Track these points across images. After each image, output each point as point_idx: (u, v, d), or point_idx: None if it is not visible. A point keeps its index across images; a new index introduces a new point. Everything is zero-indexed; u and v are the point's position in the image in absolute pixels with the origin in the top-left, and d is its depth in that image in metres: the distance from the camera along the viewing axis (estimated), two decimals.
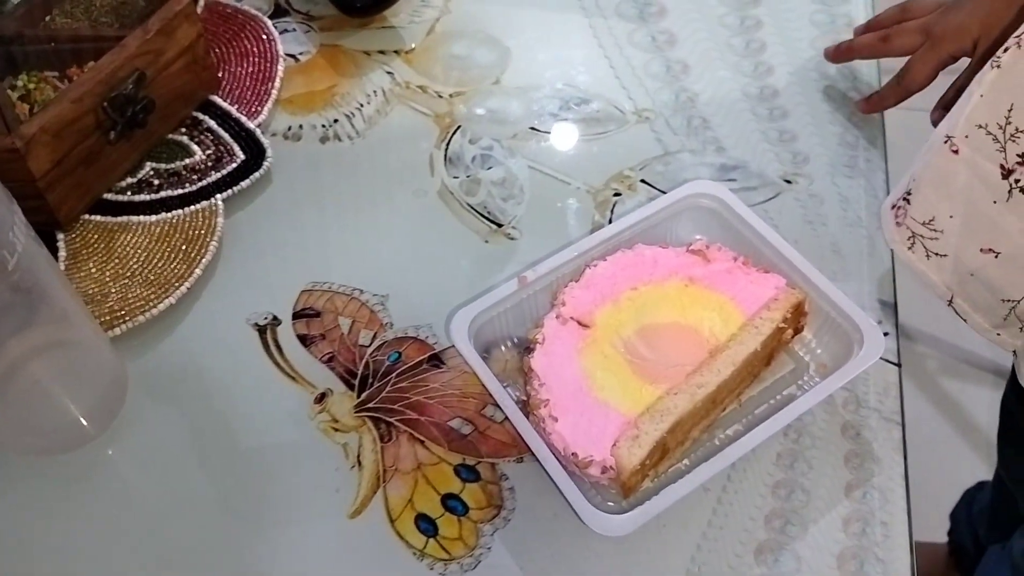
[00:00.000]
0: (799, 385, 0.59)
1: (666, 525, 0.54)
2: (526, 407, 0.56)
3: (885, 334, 0.61)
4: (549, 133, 0.74)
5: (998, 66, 0.49)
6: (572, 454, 0.52)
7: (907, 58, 0.69)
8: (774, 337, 0.57)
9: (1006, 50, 0.49)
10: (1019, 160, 0.49)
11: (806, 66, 0.78)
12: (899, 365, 0.61)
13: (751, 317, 0.57)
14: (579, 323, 0.58)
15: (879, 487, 0.55)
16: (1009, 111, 0.48)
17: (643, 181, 0.70)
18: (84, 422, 0.57)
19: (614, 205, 0.69)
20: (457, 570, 0.53)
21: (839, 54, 0.75)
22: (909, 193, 0.56)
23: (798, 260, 0.59)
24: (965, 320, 0.58)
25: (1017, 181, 0.49)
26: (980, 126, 0.50)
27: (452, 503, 0.55)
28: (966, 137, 0.51)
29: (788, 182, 0.70)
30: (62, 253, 0.66)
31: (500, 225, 0.69)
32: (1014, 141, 0.48)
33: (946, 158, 0.53)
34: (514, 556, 0.53)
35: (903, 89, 0.70)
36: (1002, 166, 0.49)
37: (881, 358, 0.60)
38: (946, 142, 0.53)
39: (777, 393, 0.58)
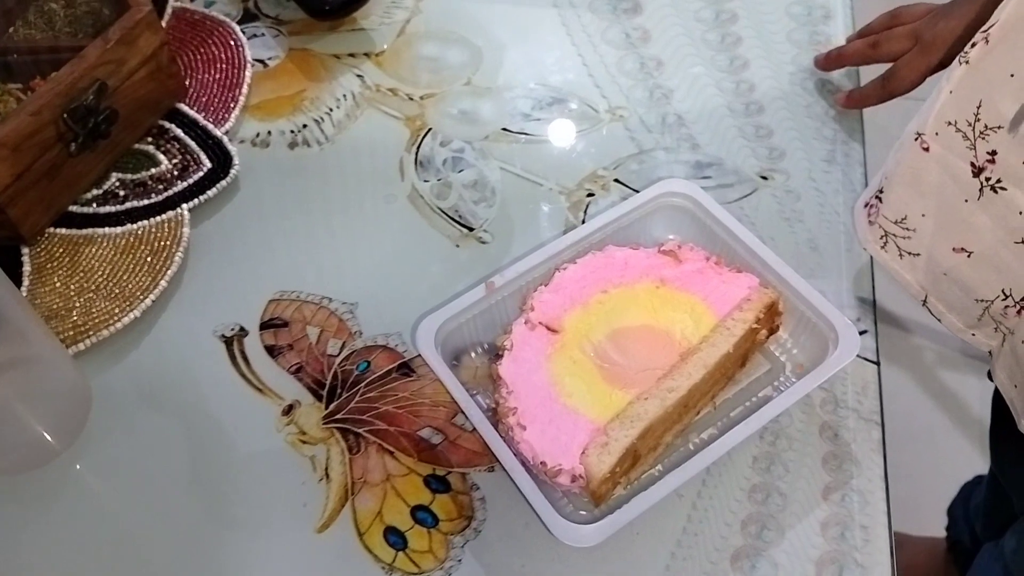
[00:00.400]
0: (775, 386, 0.57)
1: (639, 533, 0.53)
2: (495, 416, 0.54)
3: (863, 332, 0.60)
4: (521, 134, 0.73)
5: (966, 62, 0.48)
6: (541, 463, 0.51)
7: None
8: (747, 338, 0.56)
9: (973, 45, 0.48)
10: (989, 158, 0.47)
11: (782, 60, 0.77)
12: (878, 363, 0.59)
13: (723, 318, 0.56)
14: (548, 328, 0.57)
15: (858, 489, 0.54)
16: (978, 108, 0.47)
17: (617, 180, 0.69)
18: (49, 438, 0.56)
19: (587, 206, 0.68)
20: None
21: (829, 62, 0.74)
22: (881, 191, 0.55)
23: (772, 259, 0.58)
24: (940, 320, 0.57)
25: (988, 179, 0.48)
26: (950, 123, 0.49)
27: (422, 515, 0.54)
28: (936, 134, 0.50)
29: (764, 178, 0.69)
30: (26, 268, 0.65)
31: (471, 229, 0.67)
32: (983, 139, 0.47)
33: (917, 155, 0.52)
34: (485, 568, 0.52)
35: (887, 92, 0.68)
36: (972, 164, 0.48)
37: (860, 356, 0.59)
38: (917, 139, 0.51)
39: (753, 395, 0.57)
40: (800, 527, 0.53)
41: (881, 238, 0.55)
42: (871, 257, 0.64)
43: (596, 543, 0.48)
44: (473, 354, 0.59)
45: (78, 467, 0.57)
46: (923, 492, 1.20)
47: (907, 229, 0.53)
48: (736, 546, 0.52)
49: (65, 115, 0.63)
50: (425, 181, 0.70)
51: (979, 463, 1.34)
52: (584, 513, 0.52)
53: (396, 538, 0.53)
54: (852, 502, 0.54)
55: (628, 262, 0.59)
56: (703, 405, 0.56)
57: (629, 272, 0.59)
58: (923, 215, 0.52)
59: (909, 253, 0.54)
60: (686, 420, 0.55)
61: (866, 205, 0.56)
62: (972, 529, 1.10)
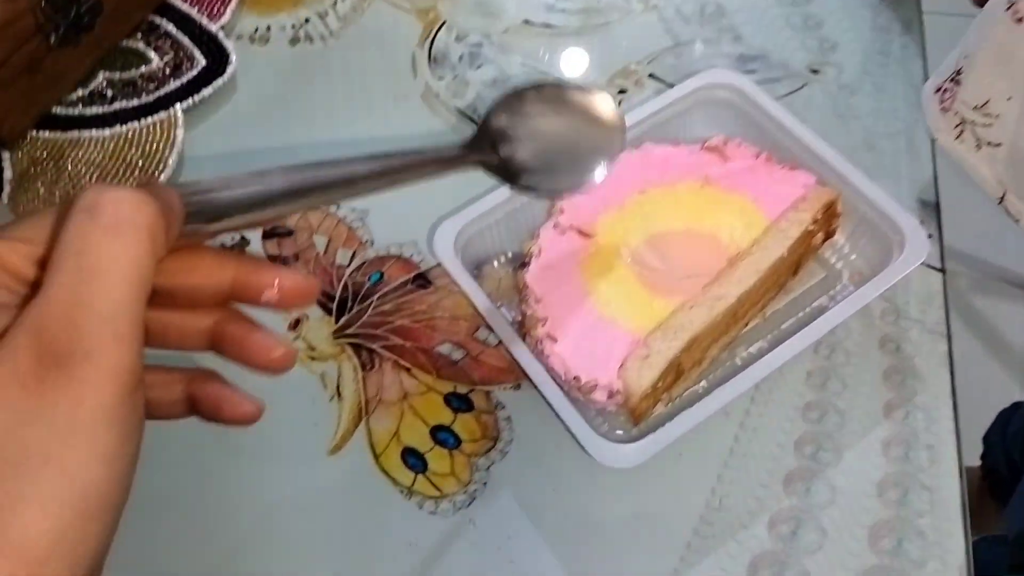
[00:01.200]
0: (831, 296, 0.52)
1: (682, 454, 0.48)
2: (522, 328, 0.49)
3: (928, 236, 0.55)
4: (545, 26, 0.66)
5: None
6: (574, 378, 0.46)
7: None
8: (802, 242, 0.50)
9: None
10: None
11: None
12: (943, 271, 0.54)
13: (776, 219, 0.50)
14: (580, 232, 0.51)
15: (923, 406, 0.49)
16: None
17: (651, 76, 0.63)
18: None
19: (619, 103, 0.62)
20: (449, 508, 0.47)
21: None
22: (959, 73, 0.49)
23: (830, 155, 0.52)
24: (1017, 221, 0.51)
25: None
26: None
27: (442, 436, 0.49)
28: None
29: (815, 72, 0.63)
30: (7, 174, 0.59)
31: None
32: None
33: (1008, 30, 0.45)
34: (513, 492, 0.47)
35: None
36: None
37: (925, 264, 0.53)
38: (1008, 8, 0.45)
39: (806, 305, 0.52)
40: (859, 447, 0.48)
41: (956, 127, 0.49)
42: (934, 156, 0.58)
43: (635, 464, 0.43)
44: (496, 263, 0.54)
45: None
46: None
47: (989, 116, 0.47)
48: (789, 468, 0.48)
49: (43, 3, 0.57)
50: (440, 79, 0.64)
51: (1016, 390, 1.29)
52: (621, 433, 0.48)
53: (415, 460, 0.49)
54: (916, 420, 0.49)
55: (668, 160, 0.53)
56: (752, 316, 0.51)
57: (669, 171, 0.53)
58: (1009, 98, 0.46)
59: (989, 143, 0.48)
60: (734, 332, 0.50)
61: (938, 90, 0.50)
62: (1009, 457, 1.06)
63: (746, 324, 0.51)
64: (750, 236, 0.50)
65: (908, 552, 0.45)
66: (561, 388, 0.46)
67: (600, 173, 0.34)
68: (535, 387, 0.46)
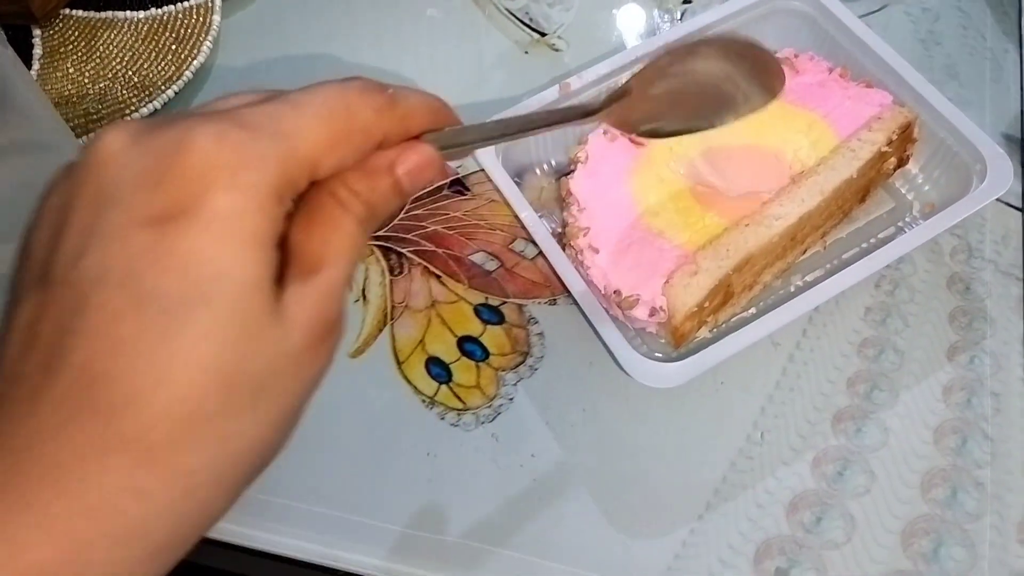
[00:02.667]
0: (899, 227, 0.48)
1: (724, 383, 0.45)
2: (562, 239, 0.46)
3: None
4: None
5: None
6: (614, 292, 0.43)
7: None
8: (873, 165, 0.46)
9: None
10: None
11: None
12: (1023, 211, 0.49)
13: (847, 138, 0.46)
14: (631, 140, 0.47)
15: (991, 351, 0.45)
16: None
17: None
18: None
19: (683, 14, 0.57)
20: (472, 421, 0.44)
21: None
22: None
23: (910, 75, 0.48)
24: None
25: None
26: None
27: (470, 347, 0.47)
28: None
29: None
30: (37, 51, 0.57)
31: (543, 34, 0.58)
32: None
33: None
34: (540, 410, 0.45)
35: None
36: None
37: (1003, 202, 0.49)
38: None
39: (871, 236, 0.48)
40: (918, 389, 0.44)
41: None
42: (1022, 88, 0.53)
43: (675, 384, 0.40)
44: (538, 171, 0.51)
45: None
46: None
47: None
48: (840, 406, 0.44)
49: None
50: None
51: None
52: (659, 355, 0.44)
53: (439, 370, 0.46)
54: (983, 365, 0.45)
55: None
56: (812, 242, 0.47)
57: None
58: None
59: None
60: (790, 258, 0.47)
61: None
62: None
63: (804, 251, 0.47)
64: (817, 155, 0.46)
65: (963, 503, 0.41)
66: (600, 303, 0.43)
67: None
68: (572, 300, 0.43)
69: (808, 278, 0.47)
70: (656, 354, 0.44)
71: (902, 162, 0.48)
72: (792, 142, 0.47)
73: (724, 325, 0.45)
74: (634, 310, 0.43)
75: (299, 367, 0.22)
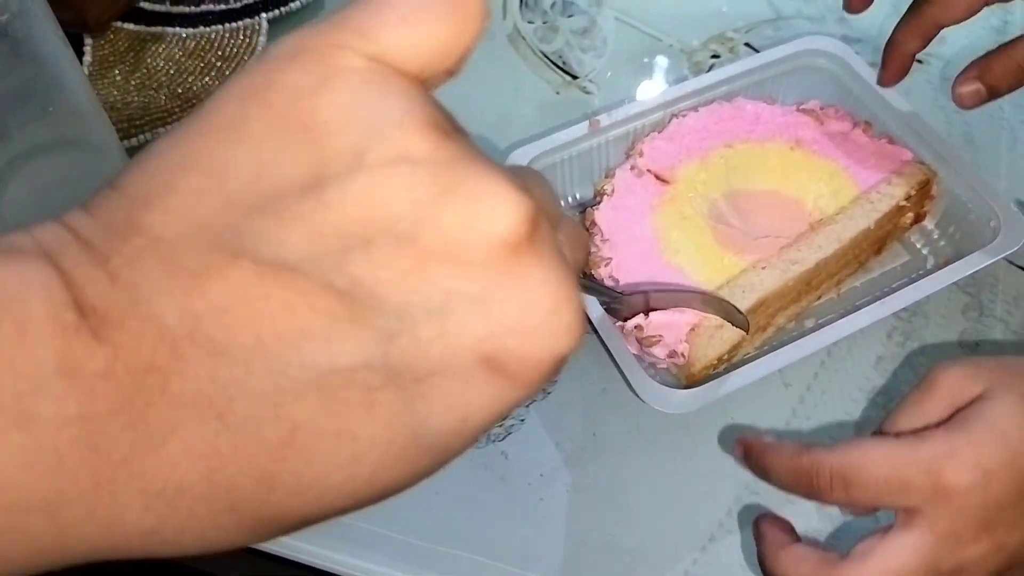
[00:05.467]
0: (912, 280, 0.49)
1: (734, 418, 0.45)
2: (584, 267, 0.47)
3: None
4: None
5: None
6: (635, 326, 0.44)
7: None
8: (891, 218, 0.47)
9: None
10: None
11: None
12: None
13: (867, 190, 0.47)
14: (657, 177, 0.49)
15: None
16: None
17: (747, 45, 0.61)
18: None
19: (711, 67, 0.59)
20: (483, 438, 0.45)
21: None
22: None
23: (929, 134, 0.49)
24: None
25: None
26: None
27: None
28: None
29: (919, 62, 0.59)
30: (87, 58, 0.59)
31: (576, 77, 0.60)
32: None
33: None
34: (550, 432, 0.45)
35: (929, 21, 0.43)
36: None
37: (1014, 263, 0.50)
38: None
39: (884, 287, 0.49)
40: None
41: None
42: None
43: (686, 411, 0.41)
44: (562, 204, 0.52)
45: None
46: None
47: None
48: None
49: None
50: (530, 23, 0.62)
51: None
52: (671, 384, 0.45)
53: None
54: None
55: (760, 117, 0.51)
56: (826, 289, 0.48)
57: (760, 128, 0.50)
58: None
59: None
60: (804, 303, 0.48)
61: None
62: None
63: (818, 297, 0.48)
64: (836, 204, 0.47)
65: None
66: (614, 331, 0.44)
67: None
68: (590, 325, 0.44)
69: (820, 321, 0.48)
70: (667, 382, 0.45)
71: (919, 217, 0.50)
72: (813, 190, 0.48)
73: (735, 358, 0.46)
74: (653, 348, 0.43)
75: None
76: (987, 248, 0.45)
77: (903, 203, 0.47)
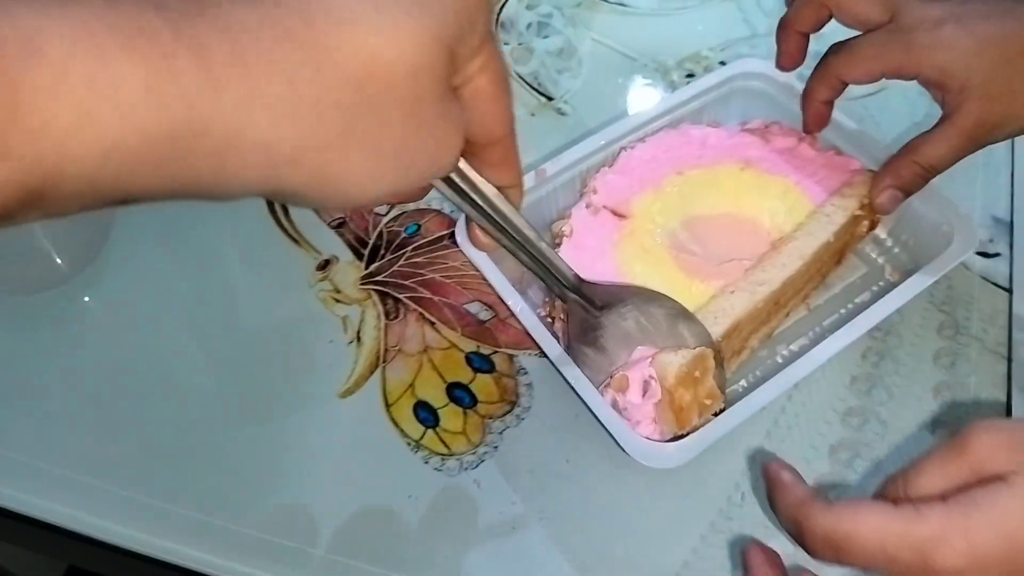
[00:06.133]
0: (874, 292, 0.49)
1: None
2: (550, 312, 0.47)
3: (995, 255, 0.51)
4: (619, 4, 0.65)
5: None
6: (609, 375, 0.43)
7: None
8: (848, 228, 0.47)
9: None
10: None
11: None
12: (1010, 292, 0.50)
13: (821, 204, 0.47)
14: (614, 213, 0.48)
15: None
16: None
17: (723, 63, 0.61)
18: (58, 259, 0.51)
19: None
20: (456, 467, 0.45)
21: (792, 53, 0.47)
22: None
23: (871, 143, 0.49)
24: None
25: None
26: None
27: (459, 393, 0.47)
28: None
29: None
30: None
31: (551, 99, 0.60)
32: None
33: None
34: (524, 459, 0.45)
35: (833, 73, 0.44)
36: None
37: (991, 281, 0.50)
38: None
39: (848, 302, 0.49)
40: (900, 460, 0.45)
41: None
42: (1012, 172, 0.55)
43: (677, 464, 0.40)
44: None
45: (86, 299, 0.52)
46: None
47: None
48: (821, 472, 0.44)
49: None
50: (505, 44, 0.62)
51: None
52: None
53: (427, 414, 0.47)
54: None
55: (707, 141, 0.51)
56: (794, 306, 0.48)
57: (708, 152, 0.50)
58: None
59: None
60: (774, 323, 0.47)
61: None
62: None
63: (787, 314, 0.48)
64: (793, 220, 0.47)
65: None
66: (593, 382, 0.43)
67: None
68: (565, 381, 0.43)
69: (793, 347, 0.48)
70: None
71: (873, 225, 0.49)
72: (768, 209, 0.48)
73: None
74: (628, 394, 0.42)
75: None
76: (945, 254, 0.45)
77: (858, 212, 0.47)
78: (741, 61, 0.53)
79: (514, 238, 0.34)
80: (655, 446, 0.40)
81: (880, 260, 0.50)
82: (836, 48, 0.44)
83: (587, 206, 0.49)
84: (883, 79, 0.42)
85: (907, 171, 0.43)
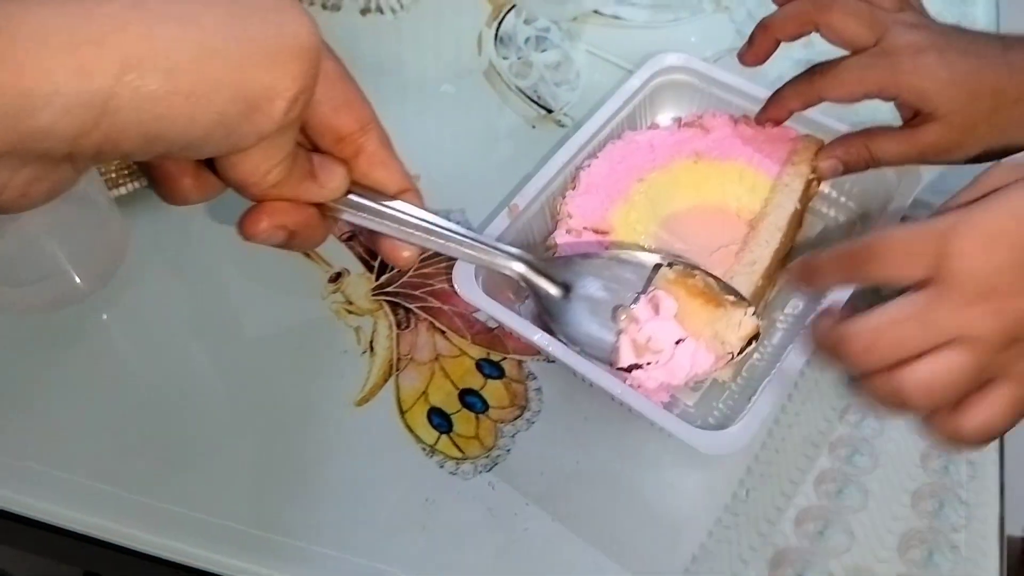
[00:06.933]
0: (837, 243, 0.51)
1: None
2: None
3: None
4: (615, 18, 0.66)
5: None
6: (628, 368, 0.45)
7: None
8: (805, 192, 0.50)
9: None
10: None
11: None
12: None
13: (778, 176, 0.50)
14: (595, 231, 0.50)
15: None
16: None
17: None
18: (77, 278, 0.52)
19: None
20: (470, 470, 0.46)
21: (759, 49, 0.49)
22: None
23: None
24: None
25: None
26: None
27: (471, 399, 0.49)
28: None
29: None
30: None
31: (550, 111, 0.61)
32: None
33: None
34: (535, 461, 0.47)
35: (815, 91, 0.47)
36: None
37: None
38: None
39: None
40: (897, 454, 0.46)
41: None
42: None
43: (737, 450, 0.41)
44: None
45: (104, 316, 0.53)
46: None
47: None
48: (823, 467, 0.46)
49: None
50: (504, 58, 0.64)
51: None
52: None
53: (440, 420, 0.48)
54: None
55: (654, 143, 0.53)
56: (779, 276, 0.50)
57: (658, 153, 0.52)
58: None
59: None
60: (768, 295, 0.50)
61: None
62: None
63: (774, 285, 0.50)
64: (758, 198, 0.50)
65: (939, 564, 0.43)
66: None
67: None
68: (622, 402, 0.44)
69: (788, 311, 0.50)
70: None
71: (818, 183, 0.52)
72: (731, 193, 0.51)
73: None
74: (641, 323, 0.43)
75: None
76: (896, 193, 0.49)
77: (811, 176, 0.50)
78: (657, 57, 0.55)
79: (440, 237, 0.35)
80: (714, 435, 0.41)
81: (832, 212, 0.54)
82: (822, 70, 0.46)
83: (568, 231, 0.50)
84: (864, 99, 0.45)
85: (856, 151, 0.47)
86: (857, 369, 0.34)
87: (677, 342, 0.43)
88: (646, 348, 0.43)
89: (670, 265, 0.44)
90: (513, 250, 0.41)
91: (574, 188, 0.52)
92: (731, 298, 0.44)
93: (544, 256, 0.49)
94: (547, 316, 0.44)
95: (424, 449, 0.47)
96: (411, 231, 0.34)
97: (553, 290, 0.43)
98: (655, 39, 0.65)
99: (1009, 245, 0.32)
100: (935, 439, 0.34)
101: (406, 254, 0.35)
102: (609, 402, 0.45)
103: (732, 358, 0.43)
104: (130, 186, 0.56)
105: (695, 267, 0.44)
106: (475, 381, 0.50)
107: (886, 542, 0.44)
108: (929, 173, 0.50)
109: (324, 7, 0.68)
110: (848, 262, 0.35)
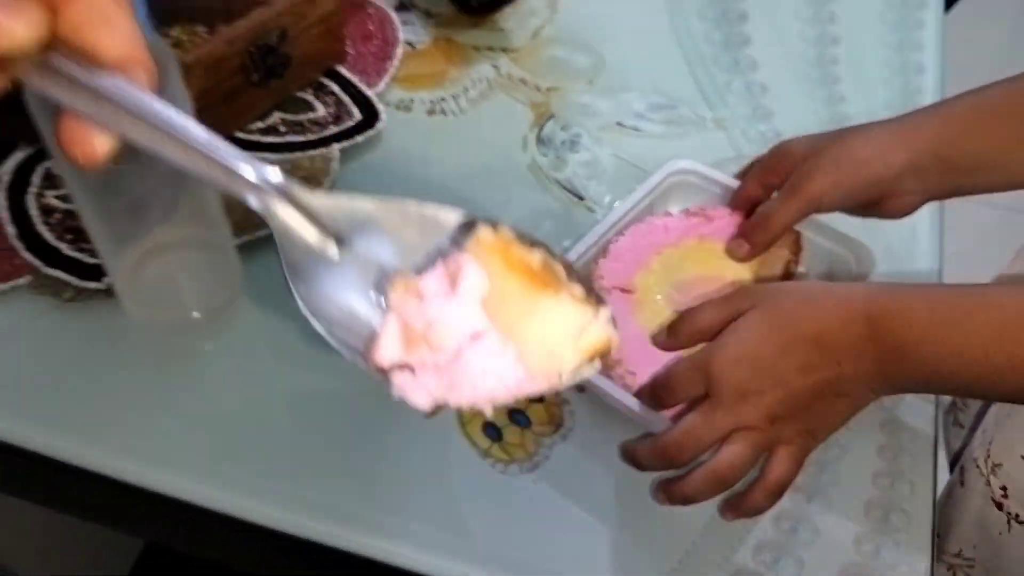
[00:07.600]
0: None
1: None
2: (602, 371, 0.60)
3: None
4: (633, 129, 0.82)
5: None
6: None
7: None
8: (785, 271, 0.64)
9: None
10: None
11: (877, 102, 0.85)
12: None
13: (764, 258, 0.64)
14: (622, 290, 0.63)
15: (908, 449, 0.60)
16: None
17: None
18: (195, 313, 0.65)
19: None
20: (517, 470, 0.58)
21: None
22: None
23: (862, 248, 0.65)
24: None
25: None
26: None
27: (517, 416, 0.61)
28: None
29: None
30: None
31: (582, 199, 0.76)
32: None
33: None
34: (569, 467, 0.59)
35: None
36: None
37: None
38: None
39: None
40: (847, 468, 0.59)
41: None
42: (940, 263, 0.71)
43: None
44: None
45: (208, 347, 0.65)
46: None
47: None
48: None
49: (252, 48, 0.74)
50: (544, 155, 0.79)
51: None
52: None
53: (493, 431, 0.60)
54: (903, 461, 0.60)
55: (668, 226, 0.67)
56: None
57: (671, 234, 0.66)
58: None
59: None
60: None
61: None
62: None
63: None
64: (749, 272, 0.64)
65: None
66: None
67: None
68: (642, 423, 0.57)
69: None
70: None
71: (797, 264, 0.65)
72: (728, 268, 0.64)
73: None
74: (425, 299, 0.34)
75: None
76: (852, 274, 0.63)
77: (790, 258, 0.64)
78: (671, 162, 0.69)
79: (158, 130, 0.26)
80: None
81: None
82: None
83: (600, 290, 0.64)
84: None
85: (753, 224, 0.64)
86: (673, 466, 0.52)
87: (473, 337, 0.31)
88: (422, 340, 0.32)
89: (494, 226, 0.31)
90: (267, 167, 0.30)
91: (605, 257, 0.65)
92: (579, 289, 0.32)
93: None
94: (290, 269, 0.32)
95: (479, 453, 0.59)
96: (116, 115, 0.25)
97: (314, 237, 0.31)
98: (667, 147, 0.80)
99: (747, 361, 0.51)
100: (742, 508, 0.53)
101: (96, 142, 0.26)
102: (629, 420, 0.57)
103: (559, 379, 0.31)
104: (245, 236, 0.69)
105: (537, 241, 0.32)
106: (521, 403, 0.62)
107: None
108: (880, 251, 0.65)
109: (398, 108, 0.83)
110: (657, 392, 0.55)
